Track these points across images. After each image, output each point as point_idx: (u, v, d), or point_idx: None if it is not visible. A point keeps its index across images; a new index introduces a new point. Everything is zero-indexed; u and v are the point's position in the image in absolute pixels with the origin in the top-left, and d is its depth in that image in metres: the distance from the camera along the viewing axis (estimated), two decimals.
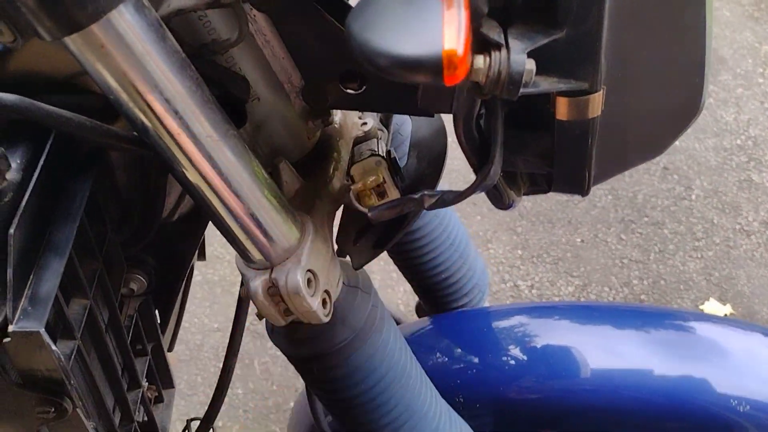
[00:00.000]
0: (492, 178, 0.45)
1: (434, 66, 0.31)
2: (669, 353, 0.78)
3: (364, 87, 0.52)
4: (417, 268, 0.84)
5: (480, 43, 0.38)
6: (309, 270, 0.50)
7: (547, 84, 0.40)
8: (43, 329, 0.43)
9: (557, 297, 1.87)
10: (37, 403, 0.46)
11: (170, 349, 0.84)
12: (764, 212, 2.07)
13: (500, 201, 0.50)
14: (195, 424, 0.78)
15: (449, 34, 0.30)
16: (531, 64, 0.38)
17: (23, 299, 0.44)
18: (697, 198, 2.10)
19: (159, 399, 0.76)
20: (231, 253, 0.53)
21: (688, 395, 0.74)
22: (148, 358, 0.69)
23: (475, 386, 0.82)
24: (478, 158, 0.45)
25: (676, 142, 1.78)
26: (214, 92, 0.46)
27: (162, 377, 0.75)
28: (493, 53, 0.37)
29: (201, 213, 0.62)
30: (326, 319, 0.51)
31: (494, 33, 0.38)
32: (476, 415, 0.77)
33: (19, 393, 0.45)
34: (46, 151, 0.47)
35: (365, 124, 0.63)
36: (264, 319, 0.54)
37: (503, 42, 0.37)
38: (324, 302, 0.51)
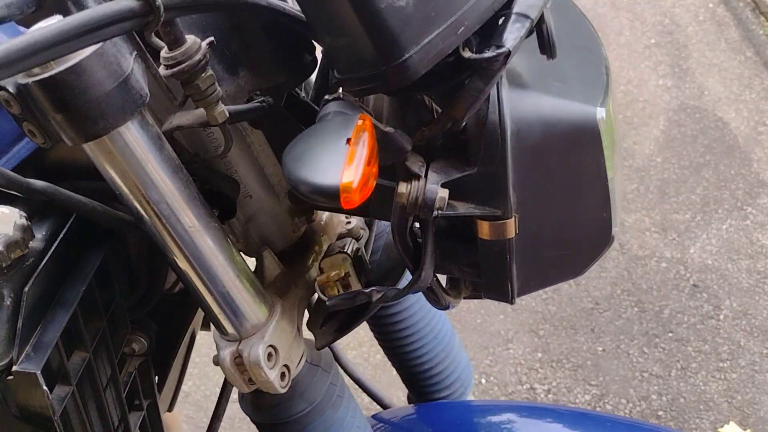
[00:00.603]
0: (424, 281, 0.53)
1: (333, 194, 0.40)
2: None
3: None
4: (401, 357, 0.91)
5: (405, 173, 0.47)
6: (271, 345, 0.58)
7: (464, 209, 0.49)
8: (40, 372, 0.52)
9: (573, 404, 1.88)
10: None
11: (170, 409, 0.92)
12: None
13: (437, 302, 0.58)
14: None
15: (348, 169, 0.39)
16: (444, 193, 0.47)
17: (28, 345, 0.53)
18: (725, 318, 2.10)
19: None
20: None
21: None
22: (143, 413, 0.78)
23: None
24: (413, 263, 0.53)
25: (708, 260, 1.80)
26: (211, 189, 0.56)
27: None
28: (413, 182, 0.47)
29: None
30: (282, 391, 0.59)
31: (416, 166, 0.47)
32: None
33: (17, 424, 0.54)
34: (67, 226, 0.58)
35: (349, 222, 0.72)
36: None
37: (422, 174, 0.47)
38: (283, 375, 0.59)
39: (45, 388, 0.52)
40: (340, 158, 0.40)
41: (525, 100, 0.47)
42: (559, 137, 0.48)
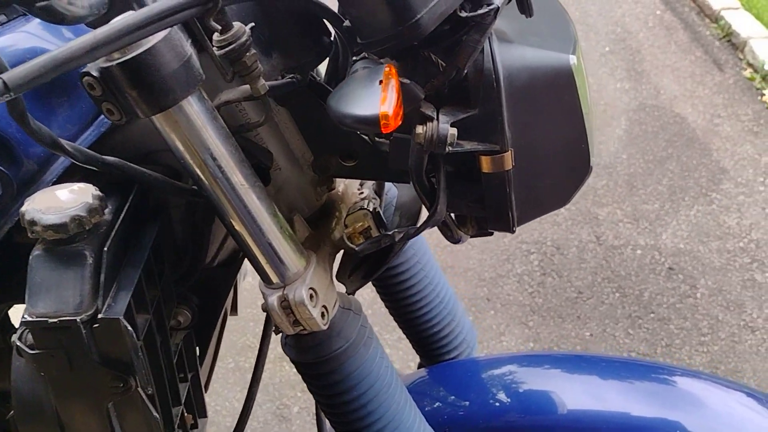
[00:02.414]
0: (440, 214, 0.63)
1: (374, 121, 0.50)
2: (648, 400, 0.84)
3: (357, 161, 0.73)
4: (411, 322, 1.00)
5: (420, 117, 0.58)
6: (311, 288, 0.68)
7: (469, 145, 0.60)
8: (123, 316, 0.61)
9: None
10: (110, 379, 0.64)
11: (206, 389, 1.00)
12: None
13: (451, 236, 0.68)
14: None
15: (384, 102, 0.50)
16: (453, 131, 0.57)
17: (109, 297, 0.62)
18: (702, 296, 2.22)
19: (194, 426, 0.92)
20: None
21: None
22: (188, 385, 0.86)
23: (464, 422, 0.96)
24: (429, 200, 0.64)
25: (680, 245, 1.92)
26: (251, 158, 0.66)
27: (198, 405, 0.91)
28: (428, 123, 0.57)
29: (235, 247, 0.81)
30: (324, 327, 0.68)
31: (429, 111, 0.58)
32: None
33: (99, 369, 0.63)
34: (129, 201, 0.68)
35: (362, 192, 0.83)
36: (279, 334, 0.72)
37: (435, 116, 0.57)
38: (323, 314, 0.69)
39: (130, 328, 0.61)
40: (375, 95, 0.50)
41: (511, 51, 0.59)
42: (541, 80, 0.59)
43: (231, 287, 0.85)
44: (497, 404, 0.95)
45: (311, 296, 0.68)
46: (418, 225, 0.65)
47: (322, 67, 0.74)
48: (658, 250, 2.38)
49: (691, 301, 2.21)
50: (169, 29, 0.55)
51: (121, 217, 0.67)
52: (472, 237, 0.71)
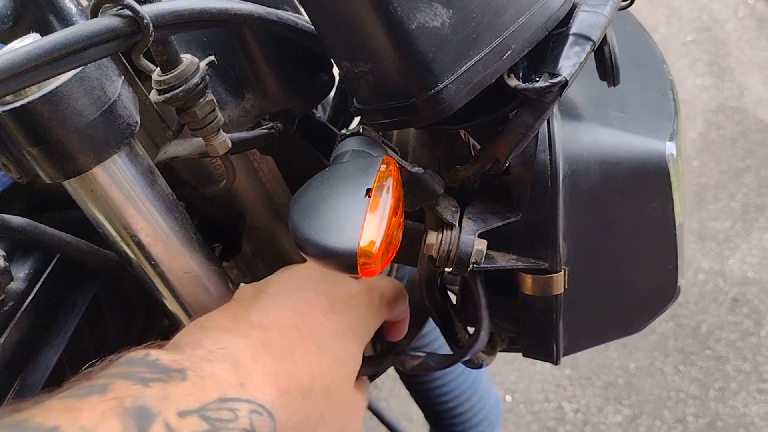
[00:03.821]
0: (483, 341, 0.45)
1: (349, 261, 0.32)
2: None
3: None
4: (425, 394, 0.84)
5: (435, 221, 0.40)
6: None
7: (504, 261, 0.41)
8: None
9: (603, 425, 1.79)
10: None
11: None
12: None
13: (470, 362, 0.50)
14: None
15: (368, 228, 0.32)
16: (481, 245, 0.39)
17: (10, 394, 0.47)
18: (767, 335, 1.99)
19: None
20: None
21: None
22: None
23: None
24: (441, 318, 0.46)
25: (748, 273, 1.69)
26: (213, 223, 0.49)
27: None
28: (445, 231, 0.39)
29: None
30: None
31: (448, 213, 0.39)
32: None
33: None
34: (53, 263, 0.51)
35: None
36: None
37: (455, 222, 0.39)
38: None
39: None
40: (358, 215, 0.32)
41: (580, 135, 0.40)
42: (621, 179, 0.40)
43: None
44: None
45: None
46: (450, 355, 0.47)
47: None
48: (723, 276, 2.14)
49: (753, 339, 1.98)
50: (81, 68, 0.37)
51: (38, 285, 0.51)
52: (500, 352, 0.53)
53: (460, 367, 0.84)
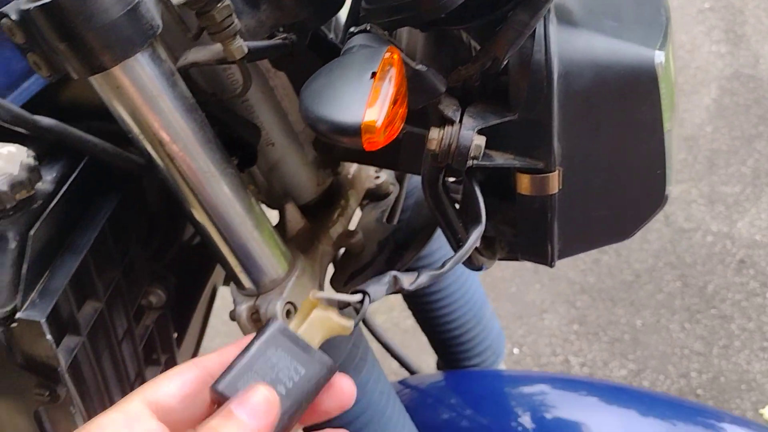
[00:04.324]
0: (480, 230, 0.47)
1: (355, 133, 0.35)
2: None
3: None
4: (431, 322, 0.87)
5: (438, 117, 0.42)
6: (290, 302, 0.55)
7: (502, 159, 0.44)
8: (44, 320, 0.49)
9: (608, 378, 1.83)
10: (35, 385, 0.53)
11: None
12: None
13: (470, 263, 0.53)
14: None
15: (371, 106, 0.35)
16: (480, 140, 0.42)
17: (34, 292, 0.51)
18: None
19: None
20: None
21: None
22: (161, 368, 0.75)
23: None
24: (446, 224, 0.49)
25: (756, 236, 1.71)
26: (231, 134, 0.52)
27: None
28: (446, 127, 0.42)
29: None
30: None
31: (450, 110, 0.42)
32: None
33: (22, 374, 0.52)
34: (78, 169, 0.55)
35: (378, 177, 0.68)
36: None
37: (456, 118, 0.42)
38: None
39: (49, 337, 0.49)
40: (363, 94, 0.35)
41: (575, 39, 0.42)
42: (612, 82, 0.43)
43: (214, 266, 0.73)
44: (520, 428, 0.83)
45: (288, 312, 0.55)
46: (443, 265, 0.49)
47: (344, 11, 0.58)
48: (731, 239, 2.16)
49: (759, 300, 2.00)
50: None
51: (65, 188, 0.54)
52: (499, 260, 0.56)
53: (465, 296, 0.87)
